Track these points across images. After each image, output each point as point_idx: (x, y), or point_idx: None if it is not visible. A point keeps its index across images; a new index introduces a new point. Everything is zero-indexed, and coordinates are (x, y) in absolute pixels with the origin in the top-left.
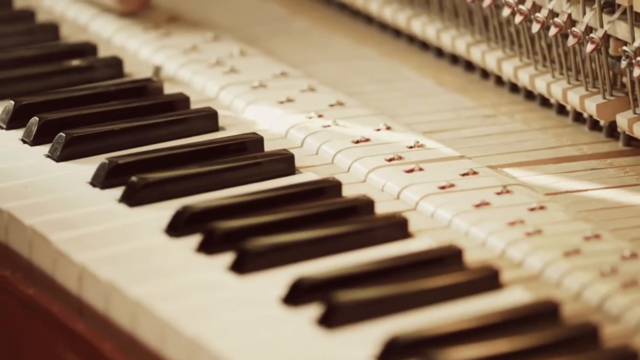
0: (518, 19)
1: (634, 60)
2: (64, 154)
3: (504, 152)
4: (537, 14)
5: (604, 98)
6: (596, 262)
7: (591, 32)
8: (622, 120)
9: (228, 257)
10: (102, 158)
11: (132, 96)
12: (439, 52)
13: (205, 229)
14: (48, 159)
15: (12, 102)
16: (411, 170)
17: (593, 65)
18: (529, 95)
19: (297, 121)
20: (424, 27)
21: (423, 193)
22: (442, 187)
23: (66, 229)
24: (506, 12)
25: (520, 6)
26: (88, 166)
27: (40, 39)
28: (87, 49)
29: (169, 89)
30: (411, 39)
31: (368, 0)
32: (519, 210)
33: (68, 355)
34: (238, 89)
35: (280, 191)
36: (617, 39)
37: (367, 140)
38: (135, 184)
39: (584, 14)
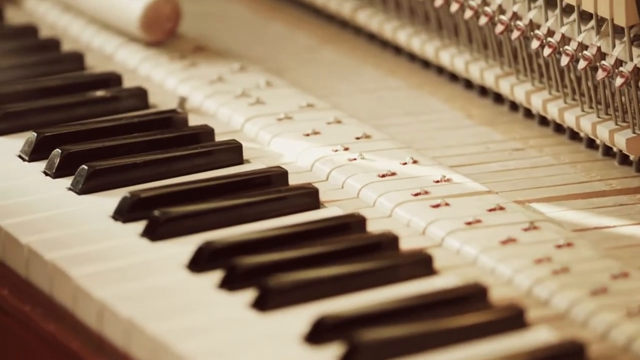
0: (547, 51)
1: None
2: (86, 187)
3: (532, 187)
4: (567, 47)
5: (634, 132)
6: (624, 301)
7: (621, 66)
8: None
9: (250, 294)
10: (124, 191)
11: (156, 128)
12: (468, 84)
13: (227, 265)
14: (70, 191)
15: (35, 134)
16: (437, 206)
17: (623, 99)
18: (559, 128)
19: (322, 154)
20: (453, 58)
21: (449, 229)
22: (469, 223)
23: (87, 263)
24: (535, 44)
25: (550, 39)
26: (110, 199)
27: (66, 69)
28: (112, 79)
29: (194, 121)
30: (440, 70)
31: (397, 31)
32: (546, 247)
33: None
34: (264, 121)
35: (303, 226)
36: None
37: (393, 174)
38: (157, 219)
39: (614, 47)
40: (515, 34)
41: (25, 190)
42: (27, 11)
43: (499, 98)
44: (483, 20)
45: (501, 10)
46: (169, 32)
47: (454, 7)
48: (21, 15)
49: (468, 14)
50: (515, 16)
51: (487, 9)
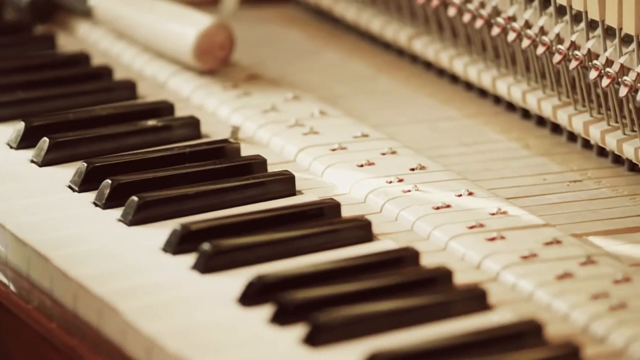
0: (605, 82)
1: None
2: (135, 219)
3: (590, 220)
4: (625, 77)
5: None
6: None
7: None
8: None
9: (301, 329)
10: (175, 222)
11: (208, 158)
12: (525, 114)
13: (278, 300)
14: (120, 223)
15: (85, 164)
16: (493, 239)
17: None
18: (617, 159)
19: (376, 185)
20: (510, 87)
21: (504, 263)
22: (524, 257)
23: (136, 297)
24: (593, 74)
25: (608, 69)
26: (161, 231)
27: (118, 97)
28: (164, 108)
29: (246, 151)
30: (497, 100)
31: (453, 60)
32: (603, 282)
33: None
34: (317, 151)
35: (356, 260)
36: None
37: (448, 206)
38: (207, 251)
39: None
40: (573, 64)
41: (75, 222)
42: (79, 38)
43: (556, 128)
44: (541, 49)
45: (559, 39)
46: (223, 61)
47: (511, 36)
48: (73, 42)
49: (525, 43)
50: (574, 46)
51: (545, 38)
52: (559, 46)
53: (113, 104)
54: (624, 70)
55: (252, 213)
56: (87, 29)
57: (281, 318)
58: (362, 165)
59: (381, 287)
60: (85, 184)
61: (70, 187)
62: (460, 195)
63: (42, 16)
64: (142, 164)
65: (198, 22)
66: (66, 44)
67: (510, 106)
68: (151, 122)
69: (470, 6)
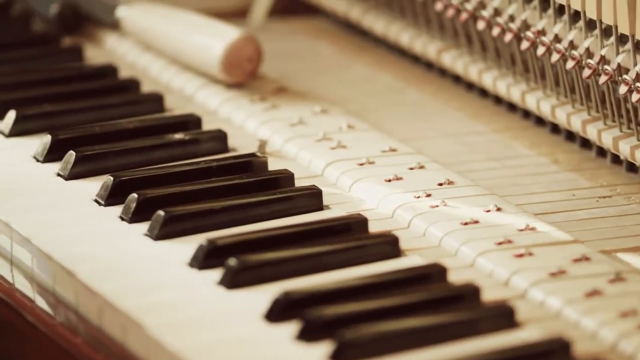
0: (635, 97)
1: None
2: (162, 233)
3: (619, 236)
4: None
5: None
6: None
7: None
8: None
9: (328, 346)
10: (202, 237)
11: (235, 172)
12: (555, 128)
13: (304, 316)
14: (146, 237)
15: (111, 178)
16: (521, 255)
17: None
18: None
19: (404, 201)
20: (539, 102)
21: (532, 280)
22: (553, 274)
23: (161, 313)
24: (623, 89)
25: (638, 84)
26: (187, 246)
27: (145, 110)
28: (191, 122)
29: (274, 165)
30: (526, 114)
31: (483, 74)
32: (632, 300)
33: None
34: (345, 166)
35: (383, 276)
36: None
37: (476, 222)
38: (233, 267)
39: None
40: (602, 79)
41: (101, 236)
42: (107, 50)
43: (586, 143)
44: (570, 64)
45: (589, 54)
46: (251, 74)
47: (541, 50)
48: (101, 54)
49: (555, 57)
50: (603, 60)
51: (574, 52)
52: (589, 60)
53: (140, 117)
54: None
55: (278, 228)
56: (114, 41)
57: (307, 335)
58: (389, 180)
59: (408, 304)
60: (111, 197)
61: (96, 201)
62: (488, 211)
63: (69, 28)
64: (168, 178)
65: (226, 34)
66: (94, 56)
67: (540, 120)
68: (178, 136)
69: (500, 20)
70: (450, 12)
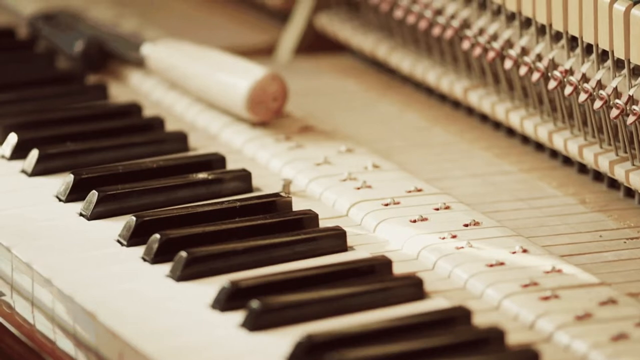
0: None
1: None
2: (184, 275)
3: None
4: None
5: None
6: None
7: None
8: None
9: None
10: (224, 278)
11: (259, 212)
12: (582, 168)
13: (327, 359)
14: (169, 279)
15: (134, 218)
16: (547, 298)
17: None
18: None
19: (429, 242)
20: (566, 142)
21: (558, 323)
22: (579, 317)
23: (184, 356)
24: None
25: None
26: (209, 287)
27: (169, 149)
28: (215, 161)
29: (298, 205)
30: (554, 154)
31: (509, 113)
32: None
33: None
34: (370, 206)
35: (407, 320)
36: None
37: (501, 264)
38: (255, 309)
39: None
40: (631, 119)
41: (122, 277)
42: (131, 88)
43: (613, 183)
44: (598, 103)
45: (617, 94)
46: (276, 112)
47: (568, 89)
48: (126, 92)
49: (582, 97)
50: (631, 100)
51: (602, 92)
52: (617, 100)
53: (164, 156)
54: None
55: (302, 270)
56: (139, 79)
57: None
58: (415, 221)
59: (432, 348)
60: (134, 238)
61: (119, 241)
62: (514, 253)
63: (94, 65)
64: (191, 218)
65: (251, 73)
66: (118, 93)
67: (567, 160)
68: (202, 175)
69: (527, 59)
70: (477, 51)
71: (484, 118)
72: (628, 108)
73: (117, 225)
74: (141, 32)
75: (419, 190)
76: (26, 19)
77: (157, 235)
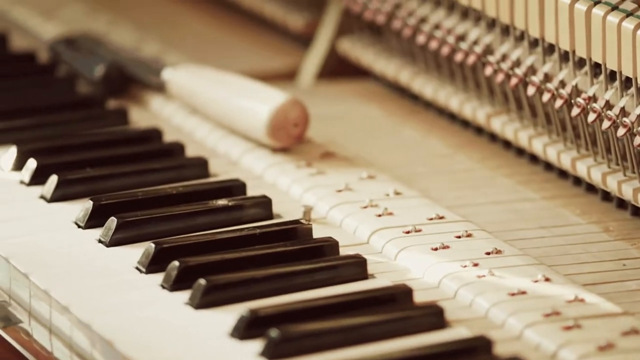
0: None
1: None
2: (202, 302)
3: None
4: None
5: None
6: None
7: None
8: None
9: None
10: (243, 306)
11: (279, 239)
12: (606, 195)
13: None
14: (187, 306)
15: (153, 245)
16: (569, 327)
17: None
18: None
19: (450, 270)
20: (590, 169)
21: (580, 353)
22: (601, 348)
23: None
24: None
25: None
26: (228, 315)
27: (190, 175)
28: (235, 187)
29: (319, 232)
30: (577, 181)
31: (532, 140)
32: None
33: None
34: (391, 233)
35: (427, 349)
36: None
37: (523, 292)
38: (274, 338)
39: None
40: None
41: (141, 305)
42: (152, 112)
43: (637, 211)
44: (621, 131)
45: None
46: (297, 138)
47: (592, 117)
48: (146, 117)
49: (606, 124)
50: None
51: (626, 119)
52: None
53: (184, 182)
54: None
55: (322, 298)
56: (160, 103)
57: None
58: (436, 249)
59: None
60: (152, 265)
61: (137, 268)
62: (536, 281)
63: (115, 90)
64: (211, 245)
65: (272, 98)
66: (139, 118)
67: (591, 188)
68: (222, 202)
69: (550, 85)
70: (500, 77)
71: (507, 144)
72: None
73: (136, 251)
74: (162, 56)
75: (441, 218)
76: (47, 43)
77: (176, 263)
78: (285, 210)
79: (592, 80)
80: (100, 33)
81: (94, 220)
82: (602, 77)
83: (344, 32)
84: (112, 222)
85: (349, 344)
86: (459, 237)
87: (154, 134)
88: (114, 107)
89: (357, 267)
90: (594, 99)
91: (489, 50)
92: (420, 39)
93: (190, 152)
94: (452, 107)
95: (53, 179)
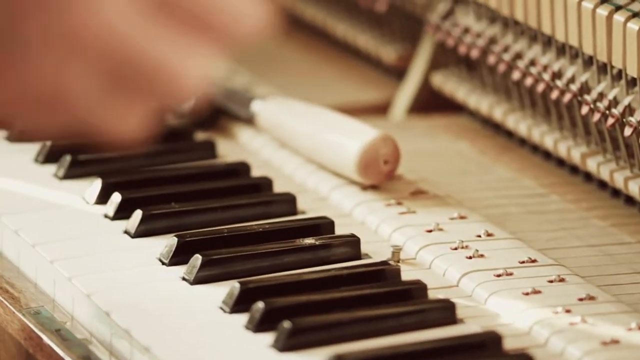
0: None
1: None
2: (287, 346)
3: None
4: None
5: None
6: None
7: None
8: None
9: None
10: (329, 350)
11: (366, 281)
12: None
13: None
14: (272, 349)
15: (238, 285)
16: None
17: None
18: None
19: (542, 316)
20: None
21: None
22: None
23: None
24: None
25: None
26: (314, 359)
27: (276, 211)
28: (323, 225)
29: (407, 273)
30: None
31: (629, 182)
32: None
33: None
34: (481, 277)
35: None
36: None
37: (616, 342)
38: None
39: None
40: None
41: (225, 347)
42: (240, 145)
43: None
44: None
45: None
46: (387, 175)
47: None
48: (235, 150)
49: None
50: None
51: None
52: None
53: (272, 219)
54: None
55: (409, 344)
56: (249, 136)
57: None
58: (527, 294)
59: None
60: (237, 305)
61: (222, 308)
62: (630, 330)
63: (203, 122)
64: (296, 286)
65: (362, 134)
66: (227, 151)
67: None
68: (309, 241)
69: None
70: (596, 116)
71: (602, 184)
72: None
73: (221, 290)
74: (252, 88)
75: (533, 261)
76: None
77: (260, 304)
78: (374, 250)
79: None
80: None
81: (178, 257)
82: None
83: (437, 65)
84: (197, 260)
85: None
86: (551, 281)
87: (241, 168)
88: (202, 139)
89: (446, 312)
90: None
91: (585, 89)
92: (515, 75)
93: (279, 186)
94: (546, 145)
95: (137, 214)
